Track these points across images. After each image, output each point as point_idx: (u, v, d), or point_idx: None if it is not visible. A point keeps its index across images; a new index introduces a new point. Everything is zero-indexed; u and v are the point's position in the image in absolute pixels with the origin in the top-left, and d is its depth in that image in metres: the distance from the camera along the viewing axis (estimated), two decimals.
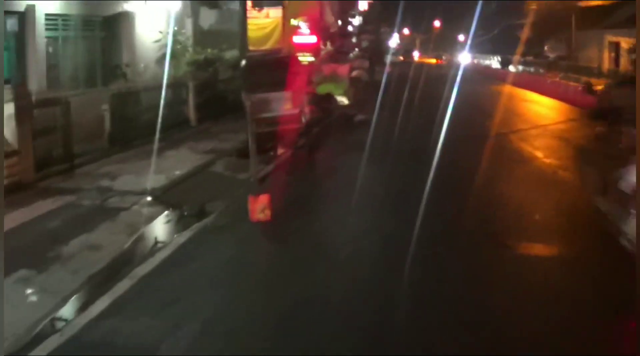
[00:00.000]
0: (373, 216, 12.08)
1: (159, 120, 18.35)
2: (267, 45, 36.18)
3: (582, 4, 47.03)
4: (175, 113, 20.64)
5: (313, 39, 37.24)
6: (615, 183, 11.32)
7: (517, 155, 18.00)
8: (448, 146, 16.81)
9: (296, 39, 36.63)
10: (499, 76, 53.34)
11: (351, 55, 37.94)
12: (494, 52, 69.03)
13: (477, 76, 54.45)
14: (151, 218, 11.64)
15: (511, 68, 56.56)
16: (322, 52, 39.33)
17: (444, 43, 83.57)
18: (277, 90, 17.96)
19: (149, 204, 12.48)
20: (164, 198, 12.87)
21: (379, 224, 11.42)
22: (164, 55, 21.90)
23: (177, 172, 14.74)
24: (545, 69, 50.94)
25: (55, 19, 18.59)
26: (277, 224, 11.07)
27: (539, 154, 18.34)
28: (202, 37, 26.19)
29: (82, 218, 11.56)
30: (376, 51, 57.24)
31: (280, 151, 17.75)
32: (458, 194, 13.48)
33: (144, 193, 13.06)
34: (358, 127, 22.38)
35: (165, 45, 21.99)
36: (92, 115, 17.55)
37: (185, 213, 11.96)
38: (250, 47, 36.55)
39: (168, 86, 19.82)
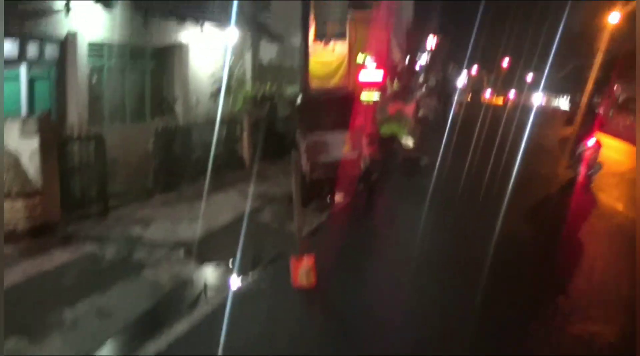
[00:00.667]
0: (438, 289, 9.78)
1: (210, 160, 16.82)
2: (333, 82, 34.69)
3: None
4: (228, 152, 18.96)
5: (379, 76, 35.52)
6: None
7: (595, 208, 15.93)
8: (517, 196, 15.11)
9: (362, 76, 34.98)
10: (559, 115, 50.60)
11: (418, 93, 35.90)
12: (562, 92, 66.23)
13: (546, 117, 51.85)
14: (176, 280, 9.79)
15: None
16: (388, 91, 37.64)
17: (513, 82, 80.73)
18: (336, 131, 16.06)
19: (178, 260, 10.66)
20: (198, 252, 11.02)
21: (445, 303, 9.18)
22: (218, 90, 20.29)
23: (219, 221, 12.94)
24: (615, 110, 48.14)
25: (100, 48, 17.05)
26: (322, 292, 9.22)
27: (620, 206, 16.25)
28: (261, 71, 24.59)
29: (99, 274, 9.87)
30: (444, 90, 55.31)
31: (336, 198, 15.93)
32: (531, 260, 11.29)
33: (176, 245, 11.28)
34: (422, 173, 20.33)
35: (221, 79, 20.35)
36: (136, 152, 16.02)
37: (216, 275, 10.13)
38: (314, 84, 35.38)
39: (221, 122, 18.23)
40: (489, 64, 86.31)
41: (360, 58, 35.26)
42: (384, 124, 23.13)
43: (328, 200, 15.72)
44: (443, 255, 11.57)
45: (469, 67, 79.02)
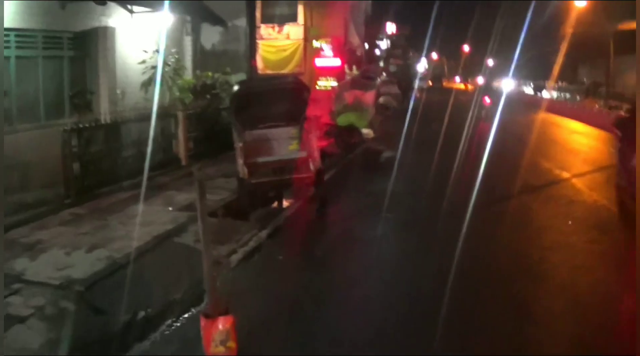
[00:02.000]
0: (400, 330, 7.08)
1: (135, 160, 13.80)
2: (287, 69, 31.79)
3: (622, 27, 41.56)
4: (160, 151, 15.83)
5: (337, 61, 32.53)
6: None
7: (596, 218, 12.33)
8: (497, 197, 13.37)
9: (319, 62, 31.98)
10: (535, 103, 47.60)
11: (378, 80, 32.91)
12: (526, 78, 63.52)
13: (512, 102, 49.16)
14: (49, 345, 6.70)
15: (545, 94, 51.15)
16: (347, 77, 34.76)
17: (473, 68, 78.03)
18: (281, 125, 12.99)
19: (58, 311, 7.52)
20: (88, 297, 7.92)
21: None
22: (150, 80, 17.13)
23: (126, 248, 9.76)
24: (583, 95, 45.58)
25: (7, 35, 13.71)
26: None
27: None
28: (203, 58, 21.36)
29: None
30: (405, 76, 52.41)
31: (282, 205, 12.94)
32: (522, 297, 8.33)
33: (61, 286, 8.14)
34: (384, 168, 17.36)
35: (153, 68, 17.15)
36: (48, 155, 12.90)
37: (105, 334, 7.05)
38: (268, 71, 32.36)
39: (153, 116, 15.07)
40: (449, 50, 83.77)
41: (316, 43, 32.43)
42: (342, 114, 20.23)
43: (272, 208, 12.73)
44: (410, 279, 8.70)
45: (428, 54, 76.06)
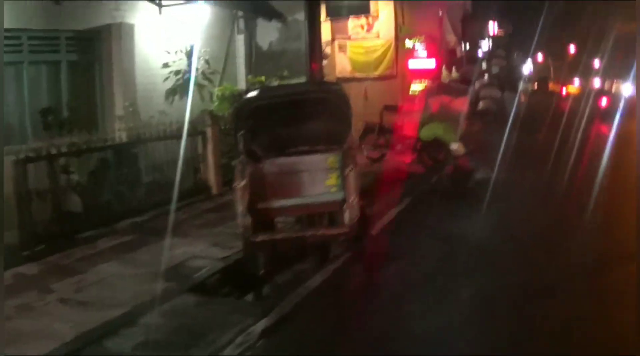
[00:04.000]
0: None
1: (144, 192, 9.95)
2: (378, 72, 27.34)
3: None
4: (182, 178, 11.48)
5: (431, 63, 27.74)
6: None
7: None
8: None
9: (412, 64, 27.27)
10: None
11: (477, 84, 27.92)
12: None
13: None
14: None
15: None
16: (445, 80, 29.92)
17: (580, 69, 70.93)
18: (313, 151, 8.44)
19: None
20: None
21: None
22: (175, 88, 12.98)
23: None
24: None
25: None
26: None
27: None
28: (259, 60, 17.00)
29: None
30: (508, 78, 46.84)
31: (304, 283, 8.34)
32: None
33: None
34: (475, 195, 12.64)
35: (178, 73, 12.99)
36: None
37: None
38: (357, 74, 28.00)
39: (181, 133, 11.02)
40: (555, 51, 76.75)
41: (409, 43, 27.77)
42: (426, 125, 15.54)
43: (296, 272, 8.24)
44: None
45: (534, 55, 69.42)
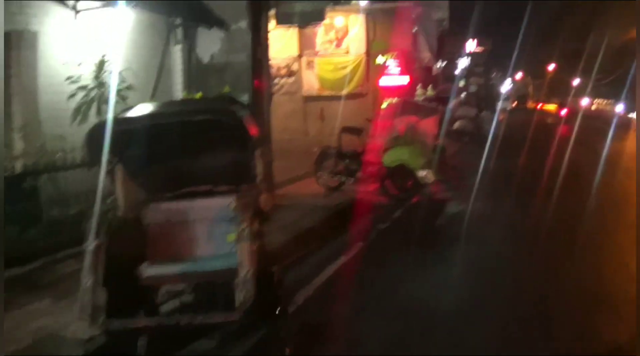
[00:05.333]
0: None
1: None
2: (348, 89, 25.29)
3: None
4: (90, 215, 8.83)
5: (405, 80, 25.41)
6: None
7: None
8: None
9: (384, 81, 24.95)
10: (628, 124, 38.06)
11: (451, 102, 25.62)
12: (616, 97, 53.99)
13: (601, 122, 40.38)
14: None
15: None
16: (420, 98, 27.65)
17: (560, 87, 68.70)
18: (207, 194, 5.85)
19: None
20: None
21: None
22: (80, 107, 10.39)
23: None
24: None
25: None
26: None
27: None
28: (200, 73, 14.42)
29: None
30: (487, 96, 44.62)
31: None
32: None
33: None
34: (446, 236, 10.15)
35: (83, 88, 10.39)
36: None
37: None
38: (326, 92, 25.72)
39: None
40: (534, 69, 74.77)
41: (380, 59, 25.50)
42: (390, 148, 13.11)
43: None
44: None
45: (513, 73, 67.30)
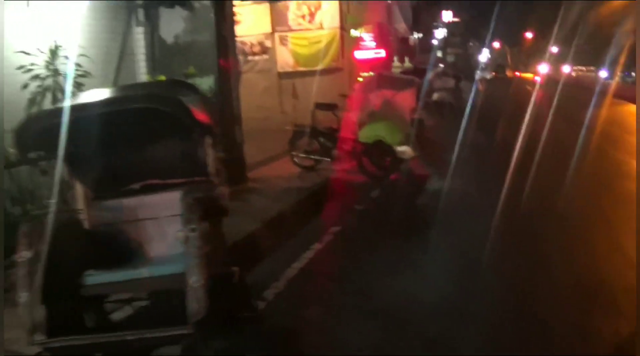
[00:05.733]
0: None
1: None
2: (323, 64, 24.44)
3: None
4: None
5: (381, 53, 24.74)
6: None
7: None
8: None
9: (359, 54, 24.23)
10: (615, 92, 37.45)
11: (429, 73, 24.96)
12: (595, 64, 53.56)
13: (580, 90, 39.79)
14: None
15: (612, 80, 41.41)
16: (396, 71, 27.09)
17: (537, 55, 68.11)
18: (154, 190, 5.20)
19: None
20: None
21: None
22: (35, 98, 9.62)
23: None
24: None
25: None
26: None
27: None
28: (164, 56, 13.58)
29: None
30: (465, 67, 43.98)
31: None
32: None
33: None
34: (426, 226, 9.46)
35: (37, 78, 9.60)
36: None
37: None
38: (300, 68, 25.00)
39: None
40: (512, 38, 74.23)
41: (355, 32, 24.83)
42: (365, 124, 12.49)
43: None
44: None
45: (490, 42, 66.53)
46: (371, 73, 19.05)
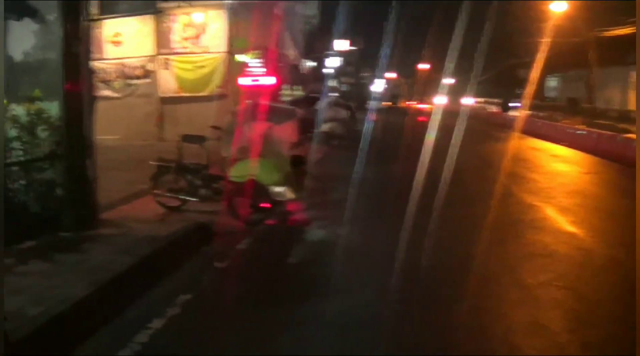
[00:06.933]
0: None
1: None
2: (207, 91, 22.89)
3: (608, 34, 32.56)
4: None
5: (268, 79, 23.13)
6: None
7: None
8: None
9: (243, 81, 22.54)
10: (506, 123, 37.53)
11: (322, 103, 23.66)
12: (491, 95, 54.08)
13: (480, 123, 39.66)
14: None
15: (514, 112, 41.81)
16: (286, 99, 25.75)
17: (434, 86, 68.35)
18: None
19: None
20: None
21: None
22: None
23: None
24: (561, 113, 36.55)
25: None
26: None
27: None
28: (11, 75, 11.45)
29: None
30: (359, 96, 43.03)
31: None
32: None
33: None
34: (301, 282, 7.80)
35: None
36: None
37: None
38: (184, 94, 23.34)
39: None
40: (407, 69, 74.65)
41: (241, 57, 23.27)
42: (239, 161, 10.76)
43: None
44: None
45: (386, 72, 66.37)
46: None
